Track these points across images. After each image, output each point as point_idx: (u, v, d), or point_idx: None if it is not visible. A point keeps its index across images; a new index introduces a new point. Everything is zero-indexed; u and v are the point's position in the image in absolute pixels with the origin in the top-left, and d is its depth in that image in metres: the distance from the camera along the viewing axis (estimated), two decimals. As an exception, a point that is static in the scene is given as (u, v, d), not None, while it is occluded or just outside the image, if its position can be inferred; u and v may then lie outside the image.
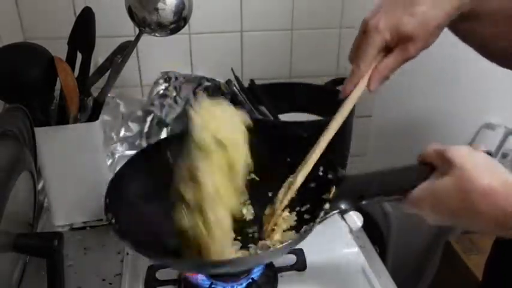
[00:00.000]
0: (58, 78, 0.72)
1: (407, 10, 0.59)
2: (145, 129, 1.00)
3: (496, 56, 0.68)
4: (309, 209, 0.64)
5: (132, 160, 0.68)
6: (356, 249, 0.74)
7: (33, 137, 0.69)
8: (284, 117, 0.95)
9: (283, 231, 0.64)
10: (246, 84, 0.97)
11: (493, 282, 0.80)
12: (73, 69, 0.77)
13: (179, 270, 0.67)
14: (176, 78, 1.03)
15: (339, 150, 0.91)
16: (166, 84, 1.03)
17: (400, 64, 0.61)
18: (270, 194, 0.66)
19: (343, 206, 0.57)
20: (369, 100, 1.13)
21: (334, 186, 0.59)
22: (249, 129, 0.60)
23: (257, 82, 0.97)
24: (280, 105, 0.96)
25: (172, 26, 0.79)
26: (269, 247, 0.62)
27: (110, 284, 0.70)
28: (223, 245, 0.59)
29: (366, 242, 0.79)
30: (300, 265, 0.70)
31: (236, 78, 0.96)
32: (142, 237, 0.58)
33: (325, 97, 0.95)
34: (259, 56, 1.06)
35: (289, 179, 0.62)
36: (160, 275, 0.68)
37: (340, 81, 1.02)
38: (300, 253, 0.71)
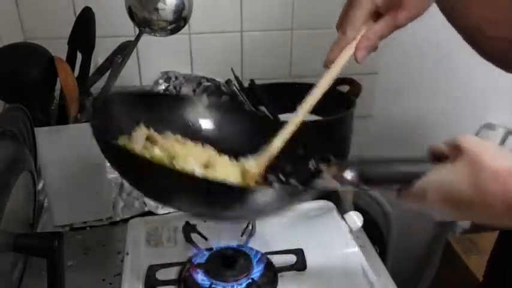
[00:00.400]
0: (58, 78, 0.72)
1: None
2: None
3: (488, 48, 0.66)
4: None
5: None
6: (356, 249, 0.74)
7: (33, 137, 0.69)
8: (284, 117, 0.95)
9: None
10: (246, 84, 0.97)
11: (494, 282, 0.80)
12: (73, 69, 0.77)
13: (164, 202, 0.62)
14: (176, 78, 1.03)
15: (339, 150, 0.91)
16: (166, 84, 1.03)
17: (389, 32, 0.58)
18: None
19: (346, 177, 0.52)
20: (369, 100, 1.13)
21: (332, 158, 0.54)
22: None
23: (257, 82, 0.97)
24: (280, 105, 0.95)
25: (172, 26, 0.79)
26: None
27: (110, 284, 0.70)
28: None
29: (366, 242, 0.79)
30: (300, 265, 0.70)
31: (236, 78, 0.96)
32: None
33: (325, 97, 0.95)
34: (259, 56, 1.06)
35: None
36: (160, 275, 0.68)
37: (340, 81, 1.02)
38: (300, 253, 0.71)
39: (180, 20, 0.79)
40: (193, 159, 0.57)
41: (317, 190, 0.54)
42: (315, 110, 0.94)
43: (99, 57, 0.85)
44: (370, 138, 1.19)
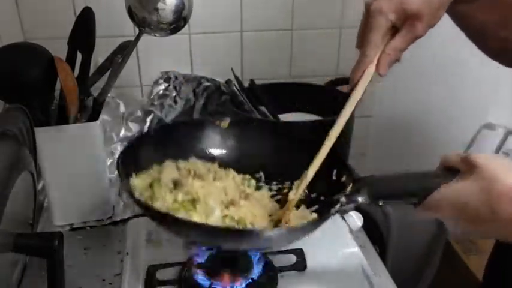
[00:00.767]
0: (58, 78, 0.72)
1: None
2: (145, 129, 1.00)
3: (493, 47, 0.67)
4: (317, 210, 0.64)
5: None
6: (356, 249, 0.74)
7: (33, 137, 0.69)
8: (284, 117, 0.95)
9: None
10: (246, 84, 0.97)
11: (494, 283, 0.80)
12: (73, 69, 0.77)
13: (184, 238, 0.66)
14: (176, 78, 1.03)
15: (339, 150, 0.91)
16: (166, 84, 1.03)
17: (408, 44, 0.59)
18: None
19: (359, 199, 0.55)
20: (369, 100, 1.13)
21: (350, 184, 0.58)
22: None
23: (257, 82, 0.97)
24: (280, 105, 0.96)
25: (172, 26, 0.79)
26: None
27: (110, 284, 0.70)
28: None
29: (366, 242, 0.79)
30: (300, 265, 0.70)
31: (236, 78, 0.96)
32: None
33: (325, 97, 0.95)
34: (259, 56, 1.06)
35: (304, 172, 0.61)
36: (160, 275, 0.68)
37: (340, 81, 1.02)
38: (300, 253, 0.71)
39: (180, 20, 0.79)
40: (215, 200, 0.62)
41: (332, 215, 0.56)
42: (315, 110, 0.95)
43: (99, 57, 0.85)
44: (370, 138, 1.19)
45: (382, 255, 0.85)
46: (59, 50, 0.75)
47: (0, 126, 0.56)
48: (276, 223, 0.62)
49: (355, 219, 0.78)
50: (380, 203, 0.56)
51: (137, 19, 0.78)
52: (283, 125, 0.83)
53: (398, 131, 1.20)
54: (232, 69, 0.96)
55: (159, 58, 1.03)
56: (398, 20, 0.57)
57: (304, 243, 0.73)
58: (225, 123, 0.73)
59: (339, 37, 1.06)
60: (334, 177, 0.63)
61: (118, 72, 0.80)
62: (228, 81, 0.94)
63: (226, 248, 0.62)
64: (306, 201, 0.65)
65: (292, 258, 0.71)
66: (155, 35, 0.80)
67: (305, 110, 0.95)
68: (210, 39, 1.03)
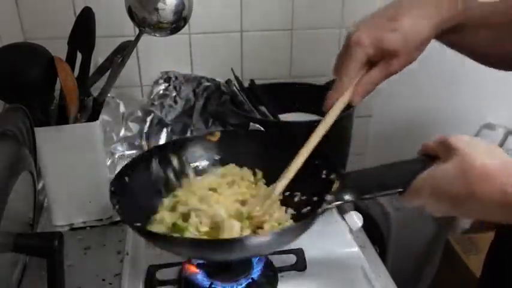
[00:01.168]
0: (58, 78, 0.72)
1: (390, 25, 0.59)
2: (145, 129, 1.00)
3: (496, 62, 0.68)
4: (310, 211, 0.64)
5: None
6: (356, 249, 0.74)
7: (33, 137, 0.69)
8: (284, 117, 0.95)
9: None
10: (246, 84, 0.97)
11: (492, 279, 0.81)
12: (73, 69, 0.77)
13: (176, 253, 0.66)
14: (176, 78, 1.03)
15: (339, 150, 0.91)
16: (166, 84, 1.03)
17: (383, 79, 0.61)
18: None
19: (346, 197, 0.56)
20: (369, 100, 1.13)
21: (337, 181, 0.59)
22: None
23: (257, 82, 0.97)
24: (280, 105, 0.96)
25: (172, 26, 0.79)
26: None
27: (110, 284, 0.70)
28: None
29: (366, 242, 0.79)
30: (300, 265, 0.70)
31: (236, 78, 0.96)
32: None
33: (325, 97, 0.95)
34: (259, 56, 1.06)
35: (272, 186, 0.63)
36: (160, 275, 0.68)
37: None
38: (300, 253, 0.71)
39: (180, 20, 0.79)
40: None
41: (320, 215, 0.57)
42: (315, 110, 0.95)
43: (99, 57, 0.85)
44: (370, 138, 1.19)
45: (382, 255, 0.85)
46: (59, 50, 0.75)
47: (0, 126, 0.56)
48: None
49: (355, 219, 0.77)
50: (367, 197, 0.58)
51: (137, 19, 0.78)
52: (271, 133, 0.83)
53: (398, 131, 1.20)
54: (232, 69, 0.96)
55: (159, 58, 1.03)
56: (375, 55, 0.60)
57: (304, 243, 0.73)
58: (215, 137, 0.74)
59: (339, 37, 1.06)
60: (324, 176, 0.64)
61: (118, 72, 0.80)
62: (228, 81, 0.94)
63: (214, 259, 0.63)
64: (298, 203, 0.65)
65: (292, 258, 0.71)
66: (155, 35, 0.80)
67: (305, 110, 0.95)
68: (210, 39, 1.03)
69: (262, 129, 0.80)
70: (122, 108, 1.01)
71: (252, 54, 1.06)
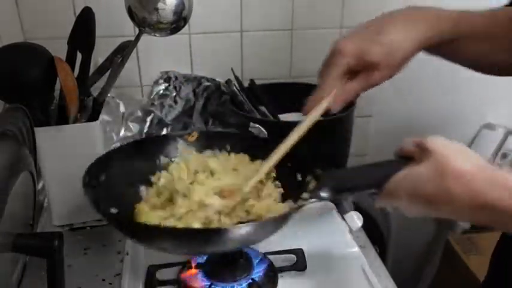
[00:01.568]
0: (58, 78, 0.72)
1: (376, 38, 0.60)
2: (145, 129, 1.00)
3: (492, 69, 0.68)
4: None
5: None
6: (356, 249, 0.74)
7: (33, 137, 0.69)
8: (284, 117, 0.95)
9: None
10: (246, 84, 0.97)
11: (498, 279, 0.80)
12: (73, 69, 0.77)
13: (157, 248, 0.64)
14: (176, 78, 1.03)
15: (339, 151, 0.91)
16: (166, 84, 1.03)
17: (364, 89, 0.62)
18: None
19: (322, 195, 0.57)
20: (369, 100, 1.13)
21: (313, 180, 0.60)
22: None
23: (257, 82, 0.97)
24: (280, 105, 0.96)
25: (172, 26, 0.79)
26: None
27: (110, 284, 0.70)
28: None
29: (366, 242, 0.79)
30: (300, 265, 0.70)
31: (236, 78, 0.96)
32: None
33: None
34: (259, 56, 1.06)
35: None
36: (160, 275, 0.68)
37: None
38: (300, 253, 0.71)
39: (180, 20, 0.79)
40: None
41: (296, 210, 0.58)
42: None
43: (99, 57, 0.85)
44: (370, 138, 1.19)
45: (382, 255, 0.85)
46: (59, 50, 0.75)
47: (0, 126, 0.56)
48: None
49: (355, 219, 0.77)
50: (342, 195, 0.60)
51: (137, 19, 0.78)
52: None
53: (398, 131, 1.20)
54: (232, 69, 0.96)
55: (159, 58, 1.03)
56: (357, 66, 0.61)
57: (304, 243, 0.73)
58: (193, 137, 0.73)
59: (338, 37, 1.06)
60: (299, 178, 0.65)
61: (118, 72, 0.80)
62: (228, 81, 0.94)
63: (201, 251, 0.62)
64: None
65: (292, 258, 0.71)
66: (155, 35, 0.80)
67: (305, 110, 0.95)
68: (210, 39, 1.03)
69: (262, 129, 0.80)
70: (122, 108, 1.01)
71: (252, 54, 1.06)
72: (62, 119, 0.76)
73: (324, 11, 1.04)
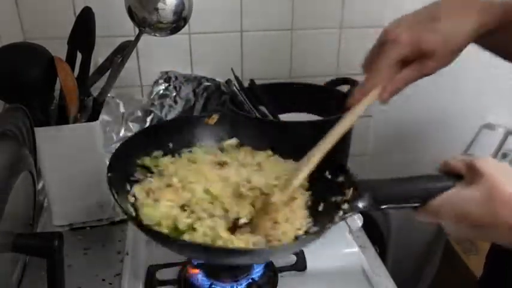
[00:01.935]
0: (58, 78, 0.72)
1: (430, 26, 0.57)
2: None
3: None
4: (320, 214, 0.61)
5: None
6: (356, 249, 0.74)
7: (33, 137, 0.69)
8: (284, 117, 0.95)
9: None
10: (246, 84, 0.97)
11: (492, 279, 0.80)
12: (73, 69, 0.77)
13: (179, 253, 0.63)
14: (176, 78, 1.03)
15: (339, 150, 0.91)
16: (166, 84, 1.03)
17: (416, 79, 0.60)
18: None
19: (361, 206, 0.54)
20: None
21: (351, 188, 0.56)
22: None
23: (257, 82, 0.97)
24: (280, 105, 0.96)
25: (172, 26, 0.79)
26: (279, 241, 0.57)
27: (110, 284, 0.70)
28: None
29: (366, 242, 0.79)
30: (300, 265, 0.70)
31: (236, 78, 0.96)
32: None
33: (325, 97, 0.95)
34: (259, 56, 1.06)
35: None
36: (160, 275, 0.68)
37: (340, 81, 1.02)
38: (300, 253, 0.71)
39: (180, 20, 0.79)
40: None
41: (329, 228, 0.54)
42: (315, 110, 0.95)
43: (99, 57, 0.85)
44: (370, 138, 1.19)
45: (382, 255, 0.85)
46: (59, 50, 0.75)
47: (0, 126, 0.56)
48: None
49: (355, 219, 0.78)
50: (382, 207, 0.55)
51: (137, 19, 0.78)
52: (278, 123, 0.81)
53: (399, 130, 1.20)
54: (232, 69, 0.95)
55: (159, 58, 1.03)
56: (412, 55, 0.58)
57: (304, 243, 0.73)
58: (213, 119, 0.71)
59: (339, 37, 1.06)
60: (329, 176, 0.62)
61: (118, 72, 0.80)
62: (228, 81, 0.94)
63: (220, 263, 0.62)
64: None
65: (292, 258, 0.71)
66: (155, 35, 0.80)
67: (305, 110, 0.95)
68: (210, 39, 1.03)
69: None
70: (121, 108, 1.01)
71: (252, 54, 1.06)
72: (62, 119, 0.76)
73: (324, 11, 1.04)
